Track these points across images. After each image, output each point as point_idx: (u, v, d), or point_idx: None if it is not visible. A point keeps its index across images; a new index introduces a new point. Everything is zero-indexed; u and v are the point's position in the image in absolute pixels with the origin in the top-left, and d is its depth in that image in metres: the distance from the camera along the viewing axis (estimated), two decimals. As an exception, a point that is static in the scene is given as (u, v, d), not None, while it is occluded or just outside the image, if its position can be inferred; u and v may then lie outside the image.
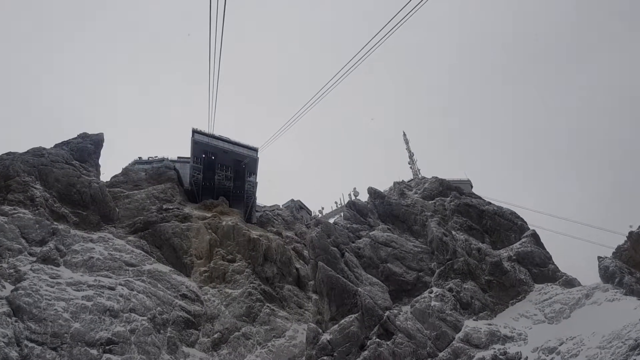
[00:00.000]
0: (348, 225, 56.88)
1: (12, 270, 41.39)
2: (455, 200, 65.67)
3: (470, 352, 39.96)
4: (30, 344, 33.87)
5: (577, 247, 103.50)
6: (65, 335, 36.01)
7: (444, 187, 69.80)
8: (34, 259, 44.03)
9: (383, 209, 61.35)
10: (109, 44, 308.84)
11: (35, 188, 52.91)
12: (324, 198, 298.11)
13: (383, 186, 68.37)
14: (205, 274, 55.86)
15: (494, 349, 40.09)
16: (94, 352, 36.33)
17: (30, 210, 49.69)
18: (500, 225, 62.78)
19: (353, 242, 54.03)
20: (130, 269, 49.99)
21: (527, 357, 37.94)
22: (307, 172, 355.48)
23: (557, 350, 36.92)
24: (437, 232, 53.92)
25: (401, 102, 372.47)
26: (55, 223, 50.60)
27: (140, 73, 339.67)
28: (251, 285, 55.50)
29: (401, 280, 50.79)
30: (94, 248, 50.58)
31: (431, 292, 48.27)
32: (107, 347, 37.45)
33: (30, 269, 42.11)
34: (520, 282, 52.21)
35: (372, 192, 63.56)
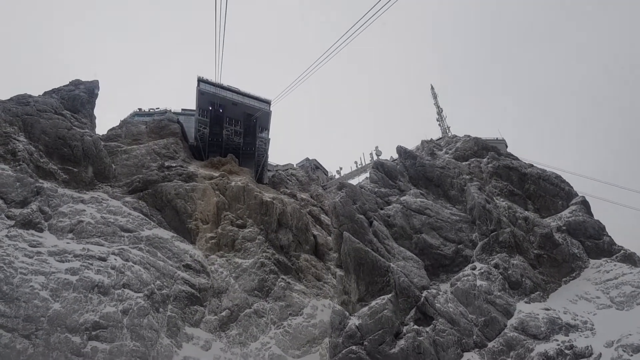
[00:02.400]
0: (376, 190, 49.71)
1: (-17, 237, 34.93)
2: (493, 161, 57.98)
3: (528, 344, 33.50)
4: (-3, 330, 27.53)
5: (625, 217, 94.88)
6: (42, 319, 29.55)
7: (479, 147, 61.87)
8: (12, 222, 37.50)
9: (414, 171, 53.92)
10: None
11: (17, 140, 45.88)
12: (342, 157, 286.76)
13: (407, 146, 60.55)
14: (212, 240, 49.30)
15: (557, 340, 33.56)
16: (77, 339, 29.95)
17: (11, 166, 42.86)
18: (545, 190, 55.21)
19: (382, 209, 47.04)
20: (126, 235, 43.43)
21: (600, 353, 31.28)
22: (322, 129, 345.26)
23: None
24: (479, 199, 46.77)
25: (424, 56, 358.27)
26: (40, 181, 43.95)
27: (142, 22, 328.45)
28: (264, 254, 48.93)
29: (438, 254, 44.02)
30: (84, 210, 43.96)
31: (474, 269, 41.65)
32: (93, 333, 31.04)
33: (6, 235, 35.59)
34: (574, 257, 45.32)
35: (402, 152, 55.97)
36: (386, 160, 57.93)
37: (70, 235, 40.12)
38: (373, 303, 36.19)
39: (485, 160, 59.02)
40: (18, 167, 42.81)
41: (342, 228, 41.99)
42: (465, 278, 40.21)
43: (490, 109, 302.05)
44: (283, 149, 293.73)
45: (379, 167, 53.20)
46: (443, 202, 50.35)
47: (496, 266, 41.02)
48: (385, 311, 35.03)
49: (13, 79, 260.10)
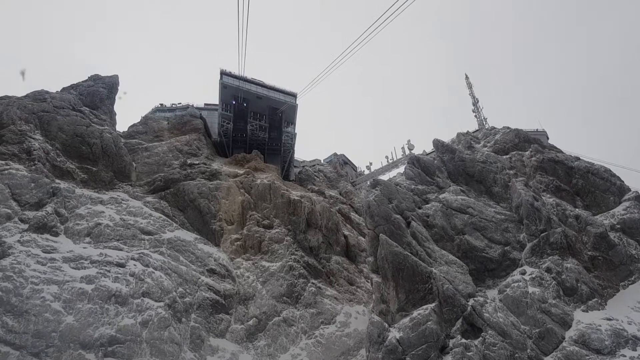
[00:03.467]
0: (412, 187, 45.99)
1: (-6, 243, 32.60)
2: (537, 154, 53.54)
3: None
4: (4, 348, 24.94)
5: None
6: (53, 334, 26.89)
7: (520, 139, 57.42)
8: (26, 226, 35.20)
9: (453, 166, 49.93)
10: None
11: (33, 138, 43.74)
12: (371, 152, 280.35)
13: (441, 139, 56.48)
14: (238, 242, 46.41)
15: (624, 356, 29.52)
16: (91, 356, 27.21)
17: (26, 165, 40.73)
18: (595, 185, 50.56)
19: (420, 208, 43.38)
20: (147, 237, 40.82)
21: (681, 375, 27.31)
22: (348, 123, 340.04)
23: None
24: (526, 196, 42.71)
25: (457, 46, 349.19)
26: (57, 181, 41.75)
27: (162, 17, 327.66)
28: (292, 257, 45.84)
29: (483, 257, 40.18)
30: (103, 212, 41.53)
31: (524, 273, 37.70)
32: (109, 349, 28.25)
33: (18, 241, 33.22)
34: (631, 259, 40.87)
35: (440, 146, 52.01)
36: (422, 154, 54.16)
37: (87, 239, 37.66)
38: (415, 313, 32.76)
39: (527, 153, 54.66)
40: (33, 167, 40.65)
41: (378, 230, 38.59)
42: (515, 284, 36.37)
43: (520, 100, 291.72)
44: (309, 144, 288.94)
45: (415, 163, 49.42)
46: (486, 199, 46.37)
47: (548, 270, 37.04)
48: (429, 323, 31.56)
49: (34, 81, 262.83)
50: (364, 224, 59.58)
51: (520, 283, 36.32)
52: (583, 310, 34.99)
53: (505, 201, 46.22)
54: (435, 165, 49.59)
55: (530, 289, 35.40)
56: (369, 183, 70.10)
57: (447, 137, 60.61)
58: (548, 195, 48.07)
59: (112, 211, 42.40)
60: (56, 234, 36.55)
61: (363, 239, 54.66)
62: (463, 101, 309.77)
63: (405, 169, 50.37)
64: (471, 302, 34.43)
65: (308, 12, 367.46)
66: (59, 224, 37.61)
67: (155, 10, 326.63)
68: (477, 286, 37.99)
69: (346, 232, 53.86)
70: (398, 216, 39.99)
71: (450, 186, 47.00)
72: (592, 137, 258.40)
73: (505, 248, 41.11)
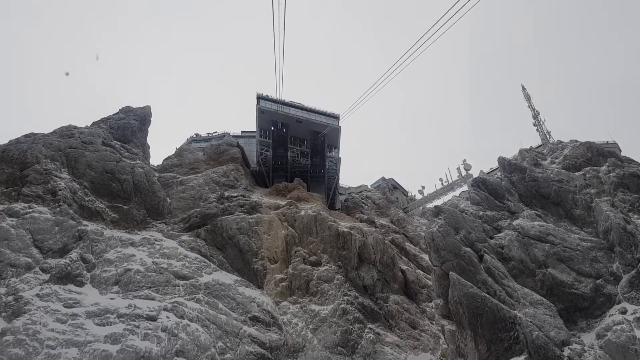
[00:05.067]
0: (480, 213, 39.97)
1: (10, 298, 28.73)
2: (616, 169, 46.57)
3: None
4: None
5: None
6: (68, 414, 22.38)
7: (593, 153, 50.58)
8: (47, 276, 31.37)
9: (524, 186, 43.62)
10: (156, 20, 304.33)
11: (59, 177, 40.48)
12: (421, 174, 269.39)
13: (495, 158, 50.37)
14: (283, 283, 41.31)
15: None
16: None
17: (50, 207, 37.36)
18: (688, 202, 43.48)
19: (491, 238, 37.31)
20: (182, 283, 36.32)
21: None
22: (393, 144, 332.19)
23: None
24: (616, 218, 36.17)
25: (499, 59, 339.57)
26: (84, 223, 38.11)
27: (196, 44, 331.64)
28: (345, 298, 40.32)
29: (573, 294, 33.64)
30: (133, 255, 37.48)
31: (625, 312, 31.03)
32: None
33: (37, 295, 29.32)
34: None
35: (506, 164, 45.86)
36: (485, 175, 48.21)
37: (115, 288, 33.48)
38: (503, 371, 26.78)
39: (604, 168, 47.82)
40: (58, 209, 37.19)
41: (446, 266, 32.85)
42: (618, 327, 29.76)
43: (578, 110, 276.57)
44: (353, 168, 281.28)
45: (481, 185, 43.41)
46: (567, 224, 39.87)
47: (657, 308, 30.50)
48: (523, 384, 25.54)
49: (64, 117, 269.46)
50: (420, 255, 53.73)
51: (624, 325, 29.70)
52: None
53: (589, 225, 39.66)
54: (504, 187, 43.42)
55: (638, 333, 28.89)
56: (421, 209, 64.34)
57: (507, 152, 54.10)
58: (636, 216, 41.21)
59: (143, 254, 38.30)
60: (81, 284, 32.58)
61: (422, 272, 48.77)
62: (513, 114, 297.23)
63: (470, 193, 44.37)
64: (567, 351, 28.15)
65: (350, 27, 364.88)
66: (84, 272, 33.74)
67: (183, 36, 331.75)
68: (569, 330, 31.64)
69: (403, 266, 47.96)
70: (468, 249, 34.15)
71: (523, 210, 40.76)
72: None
73: (597, 282, 34.50)
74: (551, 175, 44.26)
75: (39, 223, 34.72)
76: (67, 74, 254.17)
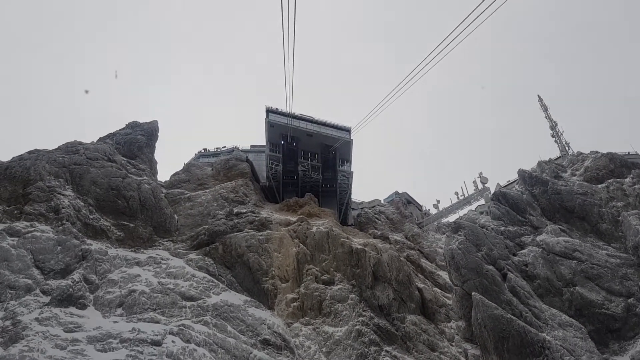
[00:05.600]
0: (502, 229, 38.11)
1: (8, 322, 27.17)
2: (641, 181, 44.71)
3: None
4: None
5: None
6: None
7: (616, 165, 48.60)
8: (47, 299, 29.85)
9: (547, 200, 41.70)
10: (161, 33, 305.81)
11: (62, 195, 39.23)
12: (435, 188, 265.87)
13: (513, 170, 48.56)
14: (294, 303, 39.47)
15: None
16: None
17: (53, 226, 36.04)
18: None
19: (514, 255, 35.43)
20: (189, 304, 34.57)
21: None
22: (405, 157, 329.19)
23: None
24: (647, 233, 34.25)
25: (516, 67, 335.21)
26: (88, 242, 36.69)
27: (204, 56, 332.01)
28: (360, 319, 38.30)
29: (603, 315, 31.59)
30: (139, 275, 35.91)
31: (663, 335, 29.09)
32: None
33: (36, 319, 27.69)
34: None
35: (527, 177, 43.98)
36: (504, 188, 46.22)
37: (119, 310, 31.83)
38: (534, 402, 24.73)
39: (628, 180, 45.77)
40: (61, 227, 35.89)
41: (467, 285, 31.01)
42: (656, 350, 27.87)
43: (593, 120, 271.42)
44: (366, 183, 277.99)
45: (501, 199, 41.54)
46: (593, 239, 37.82)
47: (697, 330, 28.36)
48: (557, 416, 23.46)
49: (71, 134, 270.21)
50: (437, 272, 51.58)
51: (665, 349, 27.77)
52: None
53: (617, 240, 37.66)
54: (526, 201, 41.50)
55: (680, 358, 26.81)
56: (436, 224, 62.21)
57: (519, 166, 51.80)
58: (665, 230, 39.13)
59: (149, 274, 36.73)
60: (83, 306, 31.00)
61: (439, 290, 46.63)
62: (529, 126, 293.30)
63: (490, 207, 42.47)
64: (602, 379, 26.13)
65: (361, 39, 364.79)
66: (87, 294, 32.19)
67: (190, 49, 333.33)
68: (601, 353, 29.56)
69: (420, 285, 45.80)
70: (490, 267, 32.30)
71: (547, 225, 38.80)
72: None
73: (629, 301, 32.46)
74: (574, 187, 42.29)
75: (41, 242, 33.39)
76: (86, 91, 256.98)
